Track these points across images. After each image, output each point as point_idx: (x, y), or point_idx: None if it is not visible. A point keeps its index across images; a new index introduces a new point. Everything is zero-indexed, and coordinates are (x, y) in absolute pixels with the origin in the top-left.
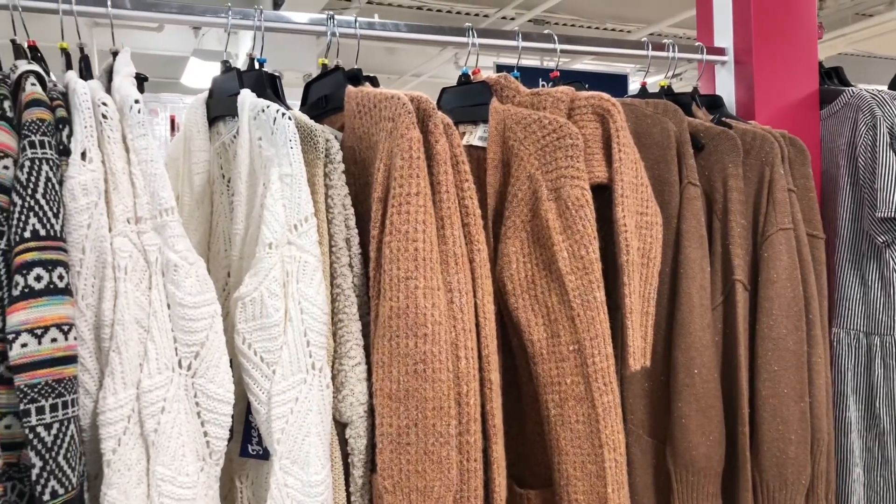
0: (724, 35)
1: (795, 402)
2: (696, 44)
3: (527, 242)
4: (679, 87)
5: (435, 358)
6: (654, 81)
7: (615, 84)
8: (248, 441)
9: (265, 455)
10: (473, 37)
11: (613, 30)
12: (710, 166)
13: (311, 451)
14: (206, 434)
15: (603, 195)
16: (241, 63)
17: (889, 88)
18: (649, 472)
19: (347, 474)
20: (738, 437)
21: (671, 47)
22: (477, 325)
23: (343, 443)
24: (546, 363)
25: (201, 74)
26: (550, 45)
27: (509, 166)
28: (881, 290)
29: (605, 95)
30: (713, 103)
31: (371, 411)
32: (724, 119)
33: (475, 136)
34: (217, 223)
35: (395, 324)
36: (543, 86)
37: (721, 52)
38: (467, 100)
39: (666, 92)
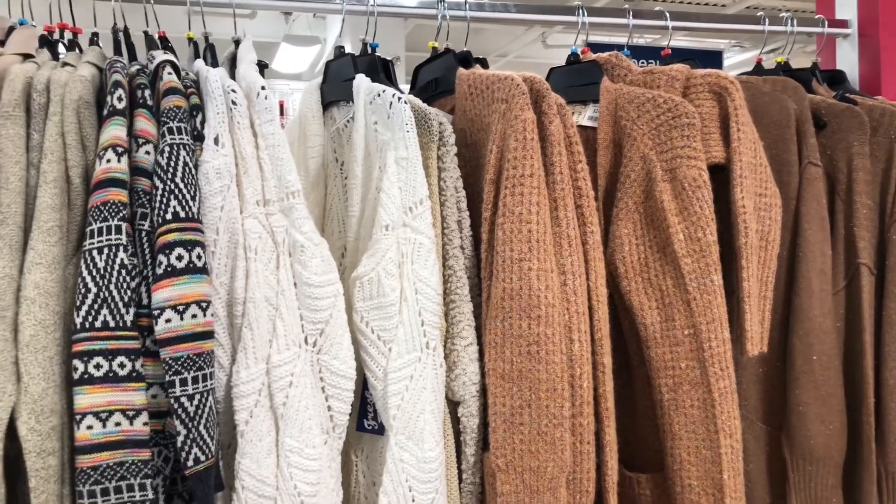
0: (846, 6)
1: None
2: (816, 16)
3: (639, 224)
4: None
5: (548, 340)
6: (747, 58)
7: (710, 61)
8: (363, 416)
9: (380, 430)
10: (584, 15)
11: (707, 4)
12: (832, 145)
13: (426, 427)
14: (329, 408)
15: (719, 176)
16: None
17: None
18: (763, 460)
19: (459, 452)
20: (863, 428)
21: (790, 21)
22: (590, 307)
23: (455, 421)
24: (659, 347)
25: (292, 59)
26: (663, 23)
27: (621, 147)
28: None
29: (723, 73)
30: (835, 79)
31: (483, 391)
32: (847, 95)
33: (585, 116)
34: (331, 206)
35: (507, 305)
36: (644, 64)
37: (844, 24)
38: (577, 79)
39: (783, 68)
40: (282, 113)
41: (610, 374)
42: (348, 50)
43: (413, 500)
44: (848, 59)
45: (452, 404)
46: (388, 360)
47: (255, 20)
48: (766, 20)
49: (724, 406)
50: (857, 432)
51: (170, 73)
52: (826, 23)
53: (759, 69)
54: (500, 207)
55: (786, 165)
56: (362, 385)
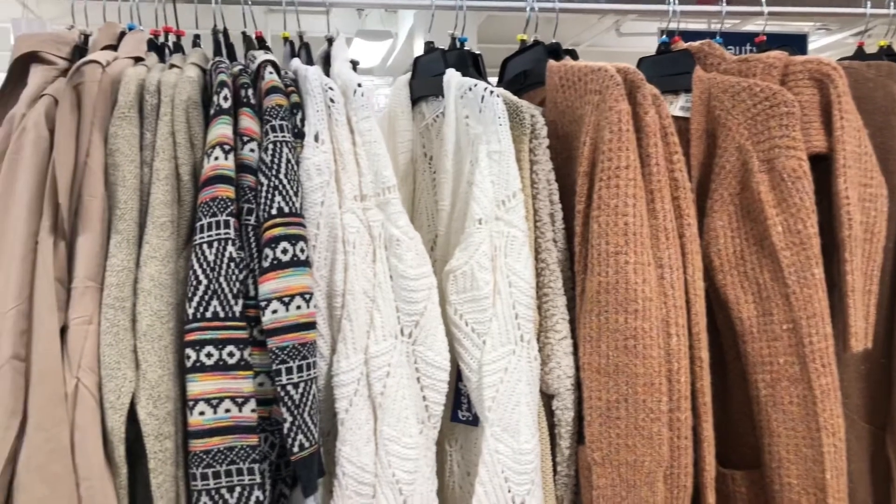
0: None
1: None
2: None
3: (735, 216)
4: (869, 45)
5: (646, 334)
6: (832, 41)
7: (794, 44)
8: (458, 407)
9: (474, 421)
10: (675, 3)
11: None
12: None
13: (521, 419)
14: (425, 398)
15: (820, 166)
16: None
17: None
18: (865, 460)
19: (553, 445)
20: None
21: (893, 3)
22: (687, 301)
23: (549, 414)
24: (756, 342)
25: (364, 54)
26: (758, 8)
27: (715, 137)
28: None
29: (825, 59)
30: None
31: (578, 385)
32: None
33: (677, 105)
34: (419, 200)
35: (603, 299)
36: (732, 52)
37: None
38: (668, 69)
39: (886, 52)
40: None
41: (707, 369)
42: (418, 44)
43: (509, 492)
44: None
45: (546, 397)
46: (483, 352)
47: (327, 15)
48: (869, 2)
49: (825, 403)
50: None
51: (271, 73)
52: None
53: (860, 54)
54: (595, 200)
55: (892, 154)
56: (456, 376)
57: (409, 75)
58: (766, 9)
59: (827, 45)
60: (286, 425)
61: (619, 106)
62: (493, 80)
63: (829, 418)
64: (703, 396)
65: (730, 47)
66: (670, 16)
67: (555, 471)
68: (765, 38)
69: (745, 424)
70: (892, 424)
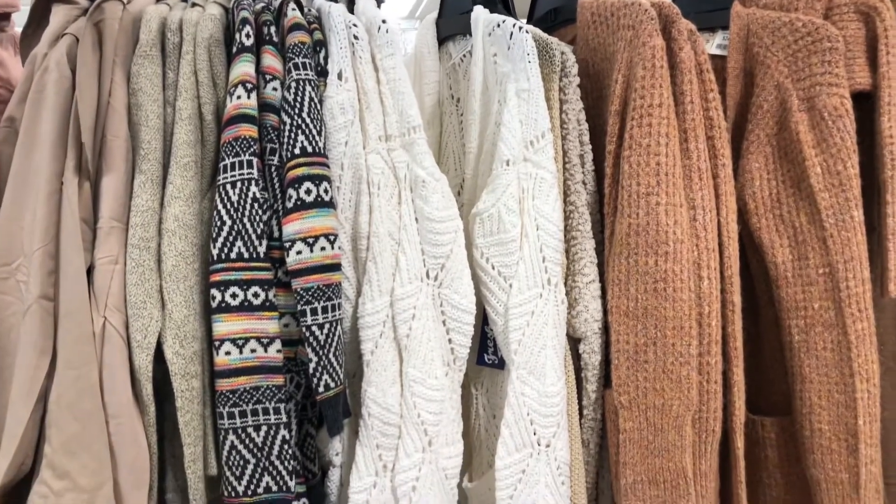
0: None
1: None
2: None
3: (772, 158)
4: None
5: (676, 277)
6: None
7: None
8: (483, 351)
9: (500, 364)
10: None
11: None
12: None
13: (547, 363)
14: (450, 341)
15: (863, 105)
16: None
17: None
18: None
19: (580, 388)
20: None
21: None
22: (720, 244)
23: (576, 358)
24: (791, 287)
25: (393, 5)
26: None
27: (752, 76)
28: None
29: None
30: None
31: (605, 328)
32: None
33: (713, 43)
34: (446, 143)
35: (633, 241)
36: None
37: None
38: (704, 4)
39: None
40: None
41: (739, 314)
42: None
43: (535, 434)
44: None
45: (573, 341)
46: (509, 295)
47: None
48: None
49: (860, 349)
50: None
51: (294, 10)
52: None
53: None
54: (627, 140)
55: None
56: (482, 320)
57: (435, 14)
58: None
59: None
60: (311, 366)
61: (652, 41)
62: (523, 20)
63: (863, 364)
64: (734, 341)
65: None
66: None
67: (581, 414)
68: None
69: (777, 371)
70: None
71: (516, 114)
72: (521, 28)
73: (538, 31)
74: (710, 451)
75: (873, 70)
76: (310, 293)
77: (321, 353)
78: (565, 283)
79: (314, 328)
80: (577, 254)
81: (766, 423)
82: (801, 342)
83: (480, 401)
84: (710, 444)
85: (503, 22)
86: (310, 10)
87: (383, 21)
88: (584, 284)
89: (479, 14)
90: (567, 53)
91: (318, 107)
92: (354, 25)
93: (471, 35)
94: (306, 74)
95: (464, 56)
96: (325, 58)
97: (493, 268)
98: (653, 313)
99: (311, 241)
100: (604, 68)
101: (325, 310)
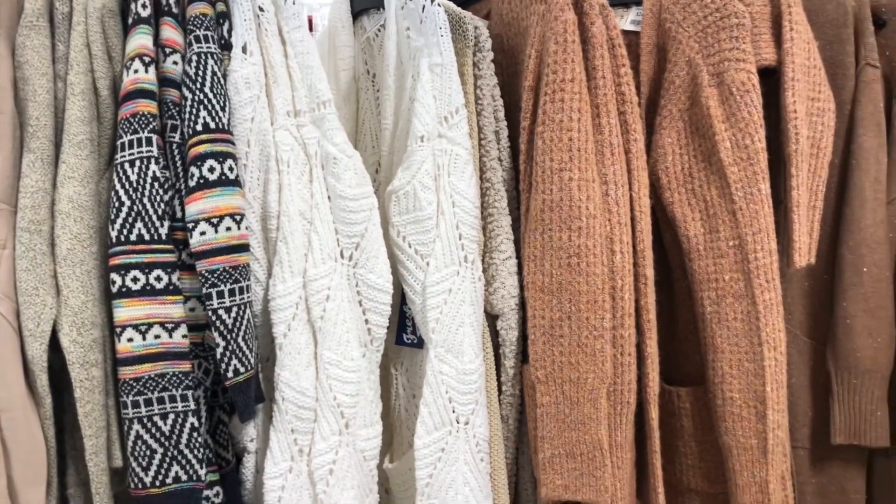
0: None
1: None
2: None
3: (684, 133)
4: None
5: (589, 251)
6: None
7: None
8: (402, 330)
9: (419, 344)
10: None
11: None
12: (892, 45)
13: (465, 340)
14: (367, 322)
15: (770, 80)
16: None
17: None
18: (806, 374)
19: (498, 365)
20: None
21: None
22: (632, 218)
23: (494, 334)
24: (702, 259)
25: None
26: None
27: (665, 51)
28: None
29: None
30: None
31: (522, 304)
32: None
33: (627, 19)
34: (363, 120)
35: (547, 217)
36: None
37: None
38: None
39: None
40: (311, 28)
41: (652, 287)
42: None
43: (453, 412)
44: None
45: (491, 318)
46: (426, 273)
47: None
48: None
49: (768, 318)
50: None
51: None
52: None
53: None
54: (540, 115)
55: (841, 67)
56: (400, 299)
57: None
58: None
59: None
60: (219, 350)
61: (564, 16)
62: None
63: (770, 332)
64: (647, 314)
65: None
66: None
67: (500, 390)
68: None
69: (691, 342)
70: (832, 339)
71: (430, 89)
72: (433, 1)
73: (452, 5)
74: (625, 422)
75: (778, 46)
76: (215, 275)
77: (229, 337)
78: (483, 260)
79: (221, 312)
80: (493, 230)
81: (681, 394)
82: (713, 313)
83: (400, 381)
84: (625, 415)
85: None
86: None
87: None
88: (501, 261)
89: None
90: (480, 28)
91: (222, 81)
92: None
93: (384, 9)
94: (208, 47)
95: (378, 30)
96: (229, 30)
97: (410, 246)
98: (567, 288)
99: (215, 221)
100: (518, 43)
101: (232, 293)
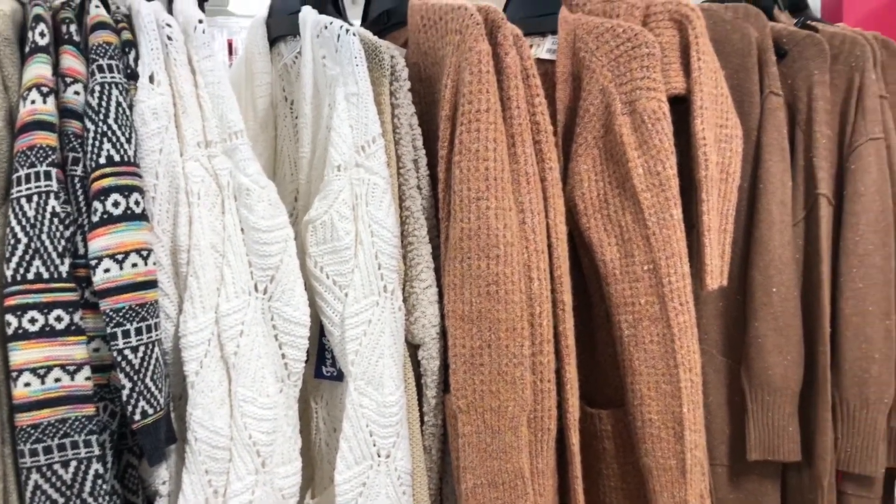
0: None
1: (880, 319)
2: None
3: (599, 160)
4: None
5: (507, 279)
6: None
7: None
8: (321, 363)
9: (339, 377)
10: None
11: None
12: (793, 74)
13: (385, 372)
14: (283, 356)
15: (680, 108)
16: None
17: None
18: (723, 392)
19: (420, 395)
20: (818, 357)
21: None
22: (549, 245)
23: (415, 364)
24: (619, 283)
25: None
26: None
27: (580, 80)
28: None
29: (684, 0)
30: (796, 6)
31: (443, 333)
32: (809, 22)
33: (543, 48)
34: (282, 147)
35: (466, 245)
36: None
37: None
38: (534, 9)
39: None
40: (231, 52)
41: (570, 312)
42: None
43: (374, 445)
44: None
45: (412, 347)
46: (345, 305)
47: None
48: None
49: (683, 341)
50: (814, 362)
51: (97, 7)
52: None
53: None
54: (457, 145)
55: (747, 95)
56: (319, 332)
57: (265, 14)
58: None
59: None
60: (125, 392)
61: (478, 46)
62: (357, 22)
63: (686, 354)
64: (565, 339)
65: None
66: None
67: (422, 421)
68: None
69: (611, 365)
70: (746, 358)
71: (346, 118)
72: (347, 31)
73: (368, 33)
74: (545, 449)
75: (687, 75)
76: (120, 314)
77: (136, 378)
78: (403, 289)
79: (126, 351)
80: (413, 259)
81: (602, 416)
82: (630, 336)
83: (321, 414)
84: (546, 442)
85: (330, 24)
86: (118, 8)
87: (200, 21)
88: (422, 290)
89: (307, 15)
90: (397, 57)
91: (128, 112)
92: (168, 25)
93: (301, 36)
94: (112, 77)
95: (296, 57)
96: (136, 59)
97: (328, 277)
98: (486, 316)
99: (120, 257)
100: (435, 72)
101: (138, 331)
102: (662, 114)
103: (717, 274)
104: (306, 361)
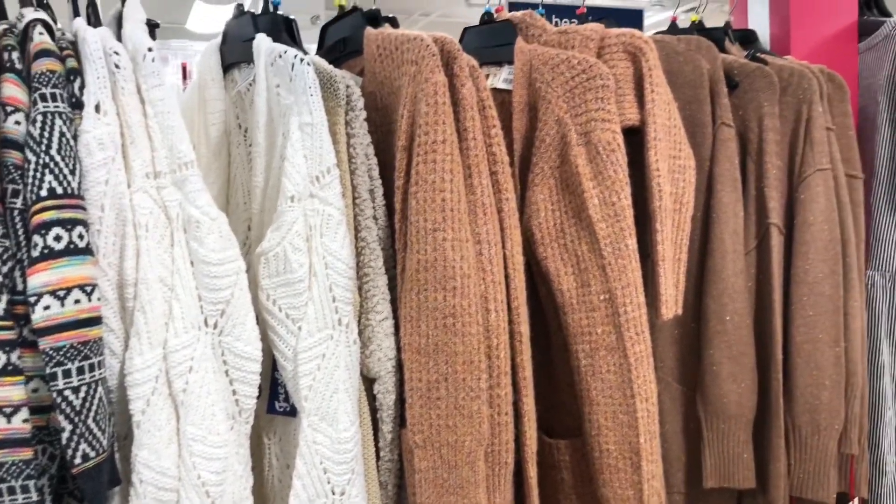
0: None
1: (830, 347)
2: None
3: (555, 190)
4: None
5: (464, 311)
6: (667, 17)
7: (630, 19)
8: (274, 398)
9: (292, 412)
10: None
11: None
12: (744, 105)
13: (340, 407)
14: (234, 392)
15: (634, 138)
16: (249, 6)
17: None
18: (679, 420)
19: (376, 429)
20: (771, 384)
21: None
22: (506, 276)
23: (371, 398)
24: (576, 313)
25: (208, 19)
26: None
27: (536, 110)
28: None
29: (637, 32)
30: (747, 38)
31: (399, 366)
32: (758, 55)
33: (500, 78)
34: (235, 175)
35: (422, 277)
36: (560, 23)
37: None
38: (491, 40)
39: (697, 27)
40: (185, 76)
41: (527, 343)
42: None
43: (329, 482)
44: (759, 19)
45: (368, 381)
46: (298, 339)
47: None
48: None
49: (639, 370)
50: (767, 389)
51: (41, 34)
52: None
53: (673, 28)
54: (413, 176)
55: (700, 126)
56: (272, 366)
57: (219, 40)
58: None
59: (663, 20)
60: (65, 435)
61: (434, 77)
62: (313, 47)
63: (642, 384)
64: (523, 371)
65: (557, 20)
66: None
67: (378, 456)
68: (585, 9)
69: (569, 395)
70: (701, 386)
71: (300, 148)
72: (302, 60)
73: (323, 62)
74: (503, 483)
75: (641, 106)
76: (61, 353)
77: (77, 419)
78: (358, 322)
79: (67, 392)
80: (369, 291)
81: (560, 447)
82: (588, 366)
83: (273, 450)
84: (504, 476)
85: (284, 52)
86: (64, 35)
87: (149, 49)
88: (378, 322)
89: (261, 43)
90: (352, 87)
91: (72, 143)
92: (116, 53)
93: (254, 63)
94: (55, 106)
95: (249, 84)
96: (81, 88)
97: (281, 310)
98: (443, 349)
99: (62, 293)
100: (391, 102)
101: (80, 370)
102: (617, 145)
103: (671, 303)
104: (258, 396)
